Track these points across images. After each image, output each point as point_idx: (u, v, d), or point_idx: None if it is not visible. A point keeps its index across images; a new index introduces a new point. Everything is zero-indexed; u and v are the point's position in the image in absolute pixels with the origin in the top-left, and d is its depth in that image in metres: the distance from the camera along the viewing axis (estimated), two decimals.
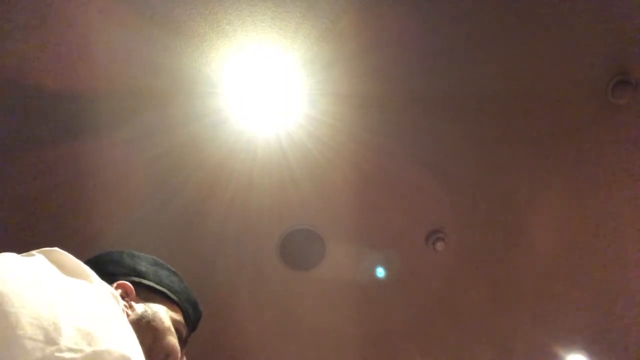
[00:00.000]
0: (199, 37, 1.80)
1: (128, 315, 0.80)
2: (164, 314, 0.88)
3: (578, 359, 2.83)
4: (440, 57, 1.93)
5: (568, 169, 2.27)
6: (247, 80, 1.93)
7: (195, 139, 2.07)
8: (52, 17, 1.70)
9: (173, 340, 0.87)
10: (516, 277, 2.60)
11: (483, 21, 1.85)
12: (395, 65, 1.95)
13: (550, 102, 2.08)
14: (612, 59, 1.96)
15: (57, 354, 0.48)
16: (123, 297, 0.82)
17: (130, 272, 0.91)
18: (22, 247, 0.70)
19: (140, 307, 0.84)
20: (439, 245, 2.43)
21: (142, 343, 0.62)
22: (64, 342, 0.49)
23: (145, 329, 0.82)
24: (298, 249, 2.44)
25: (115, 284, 0.84)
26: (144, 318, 0.83)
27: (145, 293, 0.89)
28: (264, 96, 1.98)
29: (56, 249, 0.66)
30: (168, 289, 0.93)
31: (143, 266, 0.94)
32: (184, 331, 0.93)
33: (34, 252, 0.64)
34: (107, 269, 0.89)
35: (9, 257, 0.59)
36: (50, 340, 0.48)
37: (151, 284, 0.91)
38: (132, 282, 0.87)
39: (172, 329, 0.88)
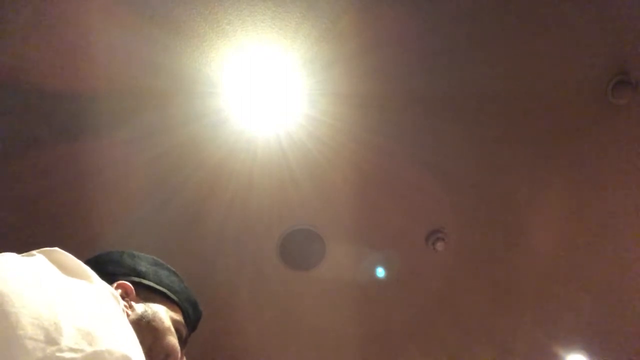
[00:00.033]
0: (199, 37, 1.80)
1: (128, 315, 0.80)
2: (164, 314, 0.88)
3: (578, 359, 2.83)
4: (440, 57, 1.93)
5: (568, 169, 2.27)
6: (247, 80, 1.93)
7: (195, 139, 2.07)
8: (52, 17, 1.70)
9: (173, 340, 0.87)
10: (516, 277, 2.60)
11: (483, 21, 1.85)
12: (395, 65, 1.95)
13: (550, 102, 2.08)
14: (612, 59, 1.96)
15: (58, 354, 0.48)
16: (123, 297, 0.82)
17: (130, 272, 0.91)
18: (22, 247, 0.70)
19: (140, 307, 0.84)
20: (439, 245, 2.43)
21: (142, 343, 0.62)
22: (64, 342, 0.49)
23: (145, 329, 0.82)
24: (298, 249, 2.44)
25: (115, 284, 0.84)
26: (144, 318, 0.83)
27: (145, 293, 0.89)
28: (264, 96, 1.98)
29: (56, 249, 0.66)
30: (168, 289, 0.93)
31: (143, 266, 0.94)
32: (184, 331, 0.93)
33: (34, 252, 0.64)
34: (107, 269, 0.89)
35: (9, 257, 0.59)
36: (51, 340, 0.48)
37: (151, 284, 0.91)
38: (132, 282, 0.87)
39: (172, 329, 0.88)
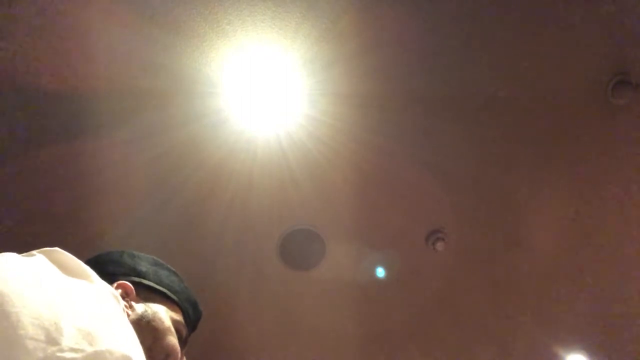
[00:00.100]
0: (199, 37, 1.80)
1: (128, 315, 0.80)
2: (164, 314, 0.88)
3: (578, 359, 2.83)
4: (440, 57, 1.93)
5: (568, 169, 2.27)
6: (247, 80, 1.93)
7: (195, 139, 2.07)
8: (52, 17, 1.70)
9: (173, 340, 0.87)
10: (516, 278, 2.60)
11: (483, 21, 1.85)
12: (395, 65, 1.95)
13: (550, 102, 2.08)
14: (612, 59, 1.96)
15: (58, 354, 0.48)
16: (123, 297, 0.82)
17: (130, 272, 0.91)
18: (22, 247, 0.70)
19: (140, 307, 0.84)
20: (439, 245, 2.43)
21: (142, 343, 0.62)
22: (65, 342, 0.49)
23: (145, 329, 0.82)
24: (298, 249, 2.44)
25: (115, 284, 0.84)
26: (144, 318, 0.83)
27: (146, 293, 0.89)
28: (264, 96, 1.98)
29: (57, 249, 0.66)
30: (168, 289, 0.93)
31: (143, 266, 0.94)
32: (184, 331, 0.93)
33: (34, 252, 0.64)
34: (108, 269, 0.89)
35: (10, 257, 0.59)
36: (51, 340, 0.48)
37: (151, 284, 0.91)
38: (132, 282, 0.87)
39: (172, 329, 0.88)
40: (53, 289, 0.56)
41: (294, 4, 1.75)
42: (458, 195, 2.34)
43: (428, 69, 1.96)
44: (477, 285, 2.63)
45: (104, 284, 0.67)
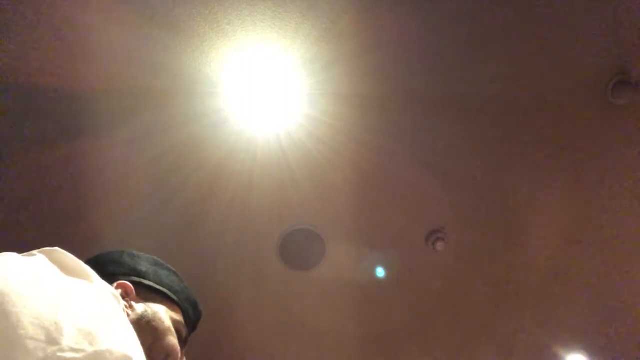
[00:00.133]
0: (199, 37, 1.80)
1: (128, 315, 0.80)
2: (164, 314, 0.88)
3: (578, 359, 2.83)
4: (440, 57, 1.93)
5: (568, 169, 2.27)
6: (247, 80, 1.93)
7: (195, 139, 2.07)
8: (52, 17, 1.70)
9: (173, 340, 0.87)
10: (516, 277, 2.60)
11: (483, 21, 1.85)
12: (395, 65, 1.95)
13: (550, 102, 2.08)
14: (612, 59, 1.96)
15: (59, 354, 0.48)
16: (123, 297, 0.82)
17: (130, 272, 0.91)
18: (22, 247, 0.70)
19: (140, 307, 0.84)
20: (439, 245, 2.43)
21: (142, 343, 0.62)
22: (65, 342, 0.49)
23: (145, 329, 0.82)
24: (298, 249, 2.44)
25: (115, 284, 0.84)
26: (144, 318, 0.83)
27: (146, 293, 0.89)
28: (264, 96, 1.98)
29: (57, 249, 0.66)
30: (168, 289, 0.93)
31: (143, 266, 0.94)
32: (184, 331, 0.93)
33: (34, 252, 0.64)
34: (108, 269, 0.89)
35: (10, 257, 0.59)
36: (51, 340, 0.48)
37: (151, 284, 0.91)
38: (133, 282, 0.87)
39: (172, 329, 0.88)
40: (53, 289, 0.56)
41: (294, 4, 1.75)
42: (458, 195, 2.34)
43: (428, 69, 1.96)
44: (477, 285, 2.63)
45: (104, 284, 0.67)
